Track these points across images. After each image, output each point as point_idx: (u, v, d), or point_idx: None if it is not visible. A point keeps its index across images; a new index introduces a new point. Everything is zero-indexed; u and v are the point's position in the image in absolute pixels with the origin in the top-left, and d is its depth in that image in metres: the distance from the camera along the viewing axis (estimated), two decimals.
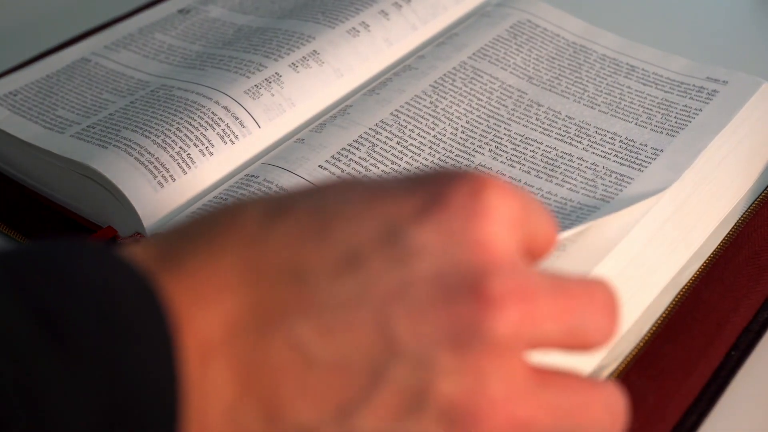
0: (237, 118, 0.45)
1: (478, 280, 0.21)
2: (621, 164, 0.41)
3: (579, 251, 0.37)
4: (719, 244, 0.41)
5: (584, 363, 0.36)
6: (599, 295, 0.24)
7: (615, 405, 0.25)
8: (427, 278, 0.21)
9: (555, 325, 0.23)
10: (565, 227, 0.38)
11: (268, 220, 0.22)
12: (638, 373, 0.35)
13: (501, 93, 0.47)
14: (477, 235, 0.22)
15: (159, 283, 0.21)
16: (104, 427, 0.20)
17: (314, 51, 0.49)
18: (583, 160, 0.42)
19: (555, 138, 0.44)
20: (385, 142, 0.43)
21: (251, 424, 0.21)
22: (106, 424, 0.20)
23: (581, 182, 0.41)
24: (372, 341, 0.21)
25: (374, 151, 0.43)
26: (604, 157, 0.42)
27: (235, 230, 0.22)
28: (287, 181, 0.41)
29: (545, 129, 0.44)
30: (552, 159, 0.42)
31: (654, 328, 0.37)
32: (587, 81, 0.48)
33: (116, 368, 0.20)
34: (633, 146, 0.42)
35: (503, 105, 0.46)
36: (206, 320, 0.21)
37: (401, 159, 0.43)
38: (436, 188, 0.23)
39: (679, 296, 0.39)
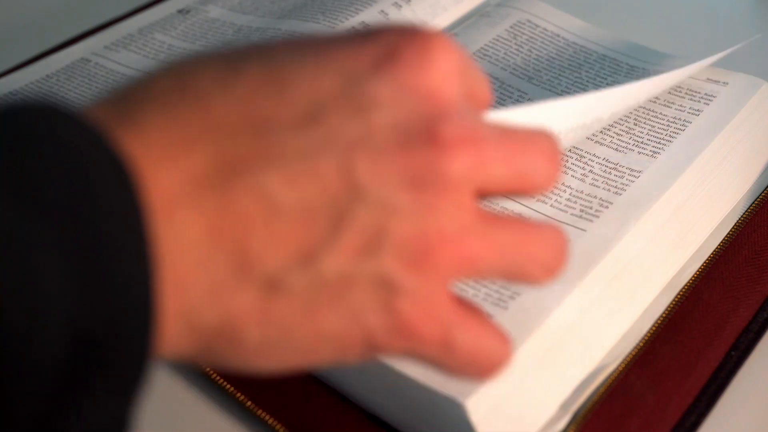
0: None
1: (432, 126, 0.23)
2: (621, 164, 0.41)
3: (579, 251, 0.37)
4: (719, 244, 0.41)
5: (584, 363, 0.36)
6: (542, 142, 0.26)
7: (556, 241, 0.27)
8: (385, 126, 0.23)
9: (502, 168, 0.25)
10: (583, 222, 0.38)
11: (221, 78, 0.23)
12: (638, 373, 0.35)
13: (501, 93, 0.47)
14: (427, 86, 0.24)
15: (120, 142, 0.21)
16: (76, 279, 0.19)
17: None
18: (594, 155, 0.42)
19: None
20: None
21: (222, 275, 0.22)
22: (77, 276, 0.19)
23: (591, 174, 0.41)
24: (335, 186, 0.22)
25: None
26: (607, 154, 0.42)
27: (189, 90, 0.23)
28: None
29: None
30: None
31: (654, 328, 0.37)
32: (587, 81, 0.48)
33: (85, 222, 0.20)
34: (633, 145, 0.42)
35: (504, 105, 0.46)
36: (169, 176, 0.21)
37: None
38: (387, 43, 0.24)
39: (679, 296, 0.39)
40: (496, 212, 0.26)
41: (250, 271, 0.22)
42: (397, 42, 0.24)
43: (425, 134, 0.23)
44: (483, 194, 0.25)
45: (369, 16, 0.51)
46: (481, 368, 0.26)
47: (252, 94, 0.23)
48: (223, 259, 0.22)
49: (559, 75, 0.48)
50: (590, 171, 0.41)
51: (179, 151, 0.22)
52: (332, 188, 0.22)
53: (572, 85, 0.47)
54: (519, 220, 0.26)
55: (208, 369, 0.37)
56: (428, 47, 0.24)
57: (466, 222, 0.24)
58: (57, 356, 0.19)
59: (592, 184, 0.40)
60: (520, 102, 0.46)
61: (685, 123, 0.43)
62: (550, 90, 0.47)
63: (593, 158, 0.42)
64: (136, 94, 0.23)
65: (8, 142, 0.20)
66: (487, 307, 0.35)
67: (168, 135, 0.22)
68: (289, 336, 0.23)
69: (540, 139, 0.26)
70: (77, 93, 0.49)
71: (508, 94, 0.47)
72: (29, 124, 0.20)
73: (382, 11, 0.52)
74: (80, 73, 0.51)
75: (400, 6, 0.52)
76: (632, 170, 0.41)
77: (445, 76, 0.24)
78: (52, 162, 0.20)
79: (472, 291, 0.36)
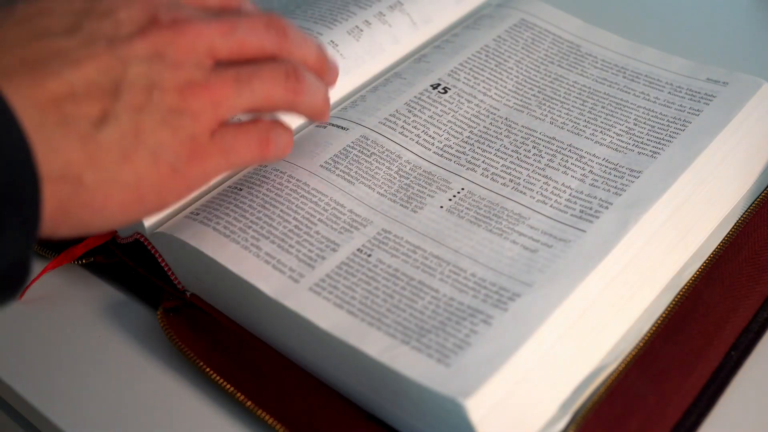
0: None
1: (154, 14, 0.33)
2: (620, 164, 0.41)
3: (579, 251, 0.37)
4: (719, 244, 0.41)
5: (584, 363, 0.36)
6: (259, 17, 0.36)
7: (284, 66, 0.36)
8: (125, 21, 0.33)
9: (218, 37, 0.34)
10: (583, 222, 0.38)
11: (2, 18, 0.32)
12: (638, 373, 0.35)
13: (500, 93, 0.47)
14: None
15: None
16: None
17: None
18: (594, 156, 0.42)
19: (569, 131, 0.44)
20: (382, 145, 0.43)
21: (53, 134, 0.30)
22: None
23: (590, 175, 0.41)
24: (108, 64, 0.31)
25: (374, 152, 0.43)
26: (610, 151, 0.42)
27: None
28: (289, 178, 0.41)
29: (553, 120, 0.44)
30: (555, 151, 0.42)
31: (654, 328, 0.37)
32: (588, 81, 0.48)
33: None
34: (632, 145, 0.42)
35: (506, 105, 0.46)
36: None
37: (401, 158, 0.43)
38: None
39: (679, 296, 0.39)
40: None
41: (70, 128, 0.30)
42: None
43: (151, 21, 0.33)
44: (221, 58, 0.34)
45: (370, 16, 0.51)
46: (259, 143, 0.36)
47: (28, 21, 0.32)
48: (51, 123, 0.30)
49: (560, 76, 0.48)
50: (590, 171, 0.41)
51: None
52: (106, 66, 0.31)
53: (572, 86, 0.47)
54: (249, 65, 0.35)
55: (208, 370, 0.37)
56: None
57: (205, 72, 0.34)
58: None
59: (592, 185, 0.40)
60: (520, 108, 0.46)
61: (685, 123, 0.43)
62: (549, 91, 0.47)
63: (593, 158, 0.42)
64: None
65: None
66: (487, 309, 0.35)
67: None
68: (117, 177, 0.31)
69: (257, 15, 0.36)
70: None
71: (507, 95, 0.47)
72: None
73: (380, 13, 0.52)
74: None
75: (402, 4, 0.52)
76: (632, 170, 0.41)
77: None
78: None
79: (472, 293, 0.36)
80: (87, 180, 0.31)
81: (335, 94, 0.48)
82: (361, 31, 0.50)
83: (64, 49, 0.31)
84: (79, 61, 0.31)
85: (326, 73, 0.39)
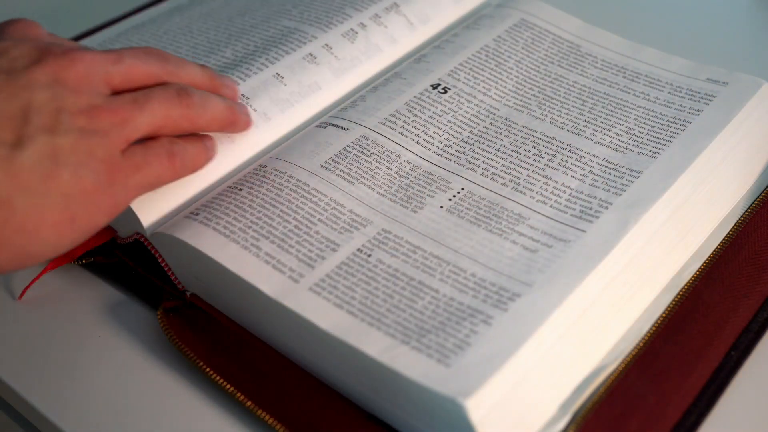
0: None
1: (46, 48, 0.35)
2: (619, 165, 0.41)
3: (579, 251, 0.37)
4: (719, 244, 0.41)
5: (584, 363, 0.36)
6: (137, 49, 0.38)
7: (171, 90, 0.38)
8: (21, 57, 0.34)
9: (107, 66, 0.36)
10: (583, 223, 0.38)
11: None
12: (638, 373, 0.35)
13: (501, 93, 0.47)
14: (31, 35, 0.37)
15: None
16: None
17: (310, 54, 0.49)
18: (594, 156, 0.42)
19: (568, 131, 0.44)
20: (382, 145, 0.43)
21: None
22: None
23: (590, 175, 0.41)
24: (13, 94, 0.33)
25: (374, 152, 0.43)
26: (610, 152, 0.42)
27: None
28: (289, 178, 0.41)
29: (553, 120, 0.44)
30: (555, 151, 0.42)
31: (654, 328, 0.37)
32: (587, 81, 0.48)
33: None
34: (632, 145, 0.42)
35: (506, 105, 0.46)
36: None
37: (401, 158, 0.43)
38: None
39: (679, 296, 0.39)
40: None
41: None
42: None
43: (45, 53, 0.35)
44: (116, 88, 0.36)
45: (366, 18, 0.51)
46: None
47: None
48: None
49: (560, 76, 0.48)
50: (590, 171, 0.41)
51: None
52: (12, 96, 0.33)
53: (572, 86, 0.47)
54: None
55: (208, 370, 0.37)
56: (14, 27, 0.37)
57: (101, 98, 0.35)
58: None
59: (592, 185, 0.40)
60: (520, 108, 0.46)
61: (685, 123, 0.43)
62: (549, 91, 0.47)
63: (593, 158, 0.42)
64: None
65: None
66: (487, 309, 0.35)
67: None
68: (45, 198, 0.32)
69: (134, 49, 0.38)
70: None
71: (506, 95, 0.47)
72: None
73: (375, 15, 0.52)
74: None
75: (398, 5, 0.52)
76: (632, 170, 0.41)
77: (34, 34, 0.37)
78: None
79: (472, 293, 0.36)
80: (17, 203, 0.32)
81: (334, 94, 0.48)
82: (356, 33, 0.50)
83: None
84: None
85: (219, 88, 0.41)
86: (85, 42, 0.54)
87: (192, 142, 0.39)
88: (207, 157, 0.40)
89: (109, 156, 0.34)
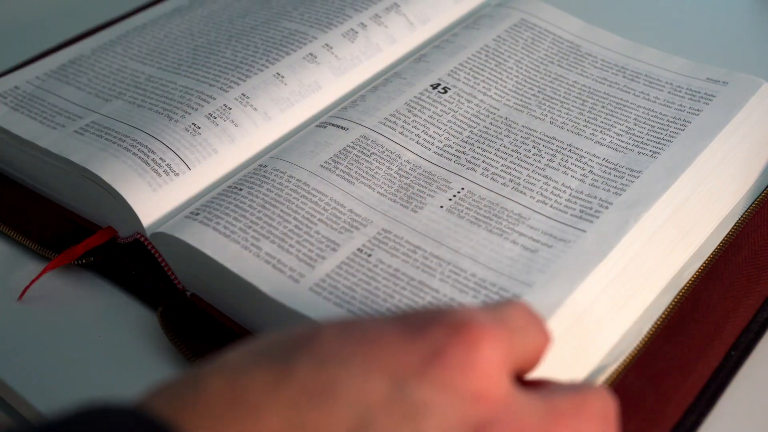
0: (235, 121, 0.45)
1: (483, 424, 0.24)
2: (620, 165, 0.41)
3: (579, 251, 0.37)
4: (719, 244, 0.41)
5: (584, 363, 0.36)
6: (593, 406, 0.27)
7: (607, 408, 0.28)
8: (436, 428, 0.23)
9: None
10: (583, 222, 0.38)
11: (271, 384, 0.23)
12: (638, 373, 0.35)
13: (501, 93, 0.47)
14: (475, 388, 0.24)
15: None
16: None
17: (311, 54, 0.49)
18: (594, 155, 0.42)
19: (568, 131, 0.44)
20: (382, 145, 0.43)
21: None
22: None
23: (590, 175, 0.41)
24: None
25: (374, 152, 0.43)
26: (610, 152, 0.42)
27: (239, 397, 0.23)
28: (289, 176, 0.41)
29: (553, 120, 0.44)
30: (555, 150, 0.42)
31: (654, 328, 0.37)
32: (587, 81, 0.48)
33: None
34: (632, 145, 0.42)
35: (506, 105, 0.46)
36: None
37: (401, 158, 0.43)
38: (434, 341, 0.24)
39: (678, 296, 0.39)
40: None
41: None
42: (444, 340, 0.25)
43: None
44: None
45: (366, 18, 0.51)
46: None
47: (301, 402, 0.23)
48: None
49: (560, 76, 0.48)
50: (590, 171, 0.41)
51: None
52: None
53: (572, 86, 0.47)
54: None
55: (198, 361, 0.37)
56: (475, 344, 0.25)
57: None
58: None
59: (592, 185, 0.40)
60: (520, 108, 0.46)
61: (685, 123, 0.43)
62: (549, 91, 0.47)
63: (593, 158, 0.42)
64: (187, 397, 0.23)
65: None
66: None
67: None
68: None
69: (590, 400, 0.27)
70: (77, 90, 0.49)
71: (506, 95, 0.47)
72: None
73: (376, 15, 0.52)
74: (80, 71, 0.51)
75: (398, 5, 0.52)
76: (632, 170, 0.41)
77: (491, 373, 0.25)
78: None
79: (472, 293, 0.36)
80: None
81: (334, 94, 0.48)
82: (356, 33, 0.50)
83: None
84: None
85: None
86: (85, 42, 0.54)
87: None
88: None
89: None
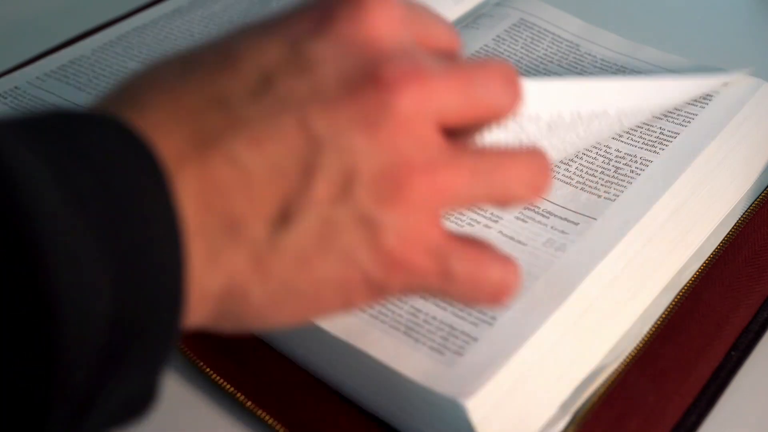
0: None
1: (373, 69, 0.25)
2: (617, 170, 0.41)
3: (579, 251, 0.37)
4: (719, 244, 0.41)
5: (584, 363, 0.36)
6: (494, 67, 0.27)
7: (534, 159, 0.28)
8: (330, 78, 0.25)
9: (454, 96, 0.26)
10: (587, 215, 0.38)
11: (181, 70, 0.25)
12: (638, 373, 0.35)
13: None
14: (364, 35, 0.25)
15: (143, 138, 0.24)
16: (117, 276, 0.21)
17: None
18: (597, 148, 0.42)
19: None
20: None
21: (216, 242, 0.24)
22: (118, 273, 0.21)
23: (595, 171, 0.41)
24: (297, 142, 0.24)
25: None
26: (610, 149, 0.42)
27: (157, 86, 0.25)
28: None
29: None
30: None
31: (654, 328, 0.37)
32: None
33: (122, 217, 0.22)
34: (633, 144, 0.42)
35: None
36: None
37: None
38: (324, 5, 0.26)
39: (679, 296, 0.39)
40: (473, 145, 0.27)
41: (238, 234, 0.24)
42: (332, 2, 0.26)
43: (368, 77, 0.25)
44: (448, 126, 0.26)
45: None
46: (489, 294, 0.28)
47: (209, 76, 0.25)
48: (214, 226, 0.23)
49: (561, 75, 0.48)
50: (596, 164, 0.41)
51: (160, 136, 0.23)
52: (294, 144, 0.24)
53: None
54: (495, 148, 0.27)
55: (208, 371, 0.37)
56: (361, 1, 0.26)
57: (432, 153, 0.25)
58: (102, 338, 0.21)
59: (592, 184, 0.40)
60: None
61: (685, 123, 0.43)
62: None
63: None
64: (124, 95, 0.25)
65: (68, 146, 0.22)
66: (489, 309, 0.35)
67: (152, 126, 0.24)
68: (291, 288, 0.25)
69: (491, 64, 0.27)
70: (77, 90, 0.49)
71: None
72: (79, 130, 0.23)
73: None
74: (80, 71, 0.51)
75: None
76: (632, 170, 0.41)
77: (381, 23, 0.26)
78: (95, 165, 0.22)
79: None
80: (254, 296, 0.25)
81: None
82: None
83: (242, 119, 0.24)
84: (259, 140, 0.24)
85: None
86: (85, 42, 0.54)
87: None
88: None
89: (398, 244, 0.25)
